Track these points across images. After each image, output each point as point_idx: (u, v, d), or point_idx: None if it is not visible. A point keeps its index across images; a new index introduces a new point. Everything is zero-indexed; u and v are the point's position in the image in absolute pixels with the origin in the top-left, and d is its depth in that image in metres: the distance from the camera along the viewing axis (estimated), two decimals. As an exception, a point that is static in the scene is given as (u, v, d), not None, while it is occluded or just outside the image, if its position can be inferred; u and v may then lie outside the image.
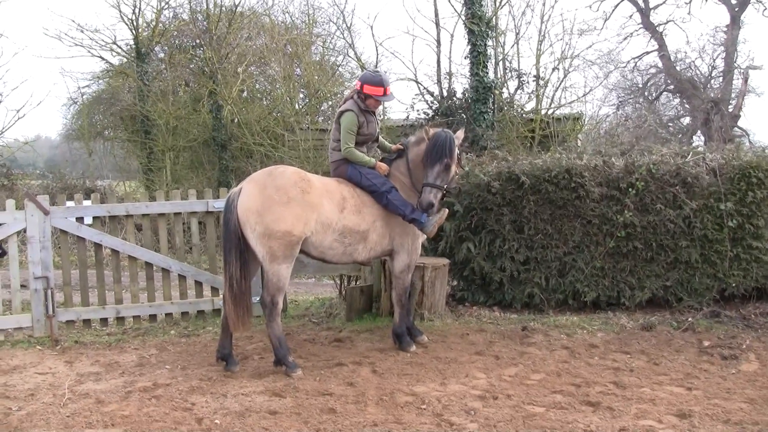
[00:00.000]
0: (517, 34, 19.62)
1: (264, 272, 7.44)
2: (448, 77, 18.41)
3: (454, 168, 8.10)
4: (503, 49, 18.92)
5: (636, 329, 8.95)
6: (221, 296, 8.47)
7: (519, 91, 18.16)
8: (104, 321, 9.75)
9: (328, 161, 8.50)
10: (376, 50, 21.41)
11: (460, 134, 8.35)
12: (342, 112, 8.10)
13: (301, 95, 22.71)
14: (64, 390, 6.95)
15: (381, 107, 9.57)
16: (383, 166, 8.20)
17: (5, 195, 18.82)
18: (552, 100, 18.95)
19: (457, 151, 8.09)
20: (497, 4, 18.44)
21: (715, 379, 7.02)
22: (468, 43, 15.98)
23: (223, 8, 23.12)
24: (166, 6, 25.78)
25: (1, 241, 9.27)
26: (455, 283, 10.54)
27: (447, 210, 8.26)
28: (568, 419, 5.91)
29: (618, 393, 6.59)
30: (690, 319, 9.06)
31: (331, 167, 8.31)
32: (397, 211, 7.90)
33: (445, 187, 8.01)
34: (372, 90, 8.08)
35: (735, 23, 27.93)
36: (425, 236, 8.37)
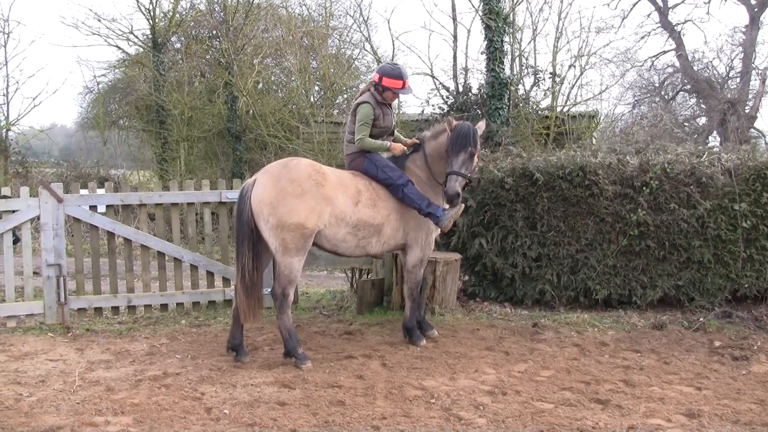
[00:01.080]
0: (534, 30, 19.51)
1: (276, 264, 7.43)
2: (464, 72, 18.33)
3: (476, 158, 8.12)
4: (520, 46, 18.80)
5: (647, 328, 8.93)
6: (233, 287, 8.44)
7: (535, 88, 18.04)
8: (115, 309, 9.78)
9: (343, 154, 8.50)
10: (393, 44, 21.53)
11: (482, 125, 8.30)
12: (359, 104, 8.09)
13: (317, 88, 22.67)
14: (74, 377, 6.98)
15: (396, 101, 9.56)
16: (398, 146, 8.21)
17: (20, 182, 18.98)
18: (568, 98, 18.84)
19: (480, 141, 8.14)
20: (515, 0, 18.39)
21: (725, 379, 7.00)
22: (485, 38, 15.90)
23: (240, 0, 23.12)
24: (184, -4, 25.82)
25: (15, 227, 9.32)
26: (467, 278, 10.54)
27: (463, 205, 8.17)
28: (576, 416, 5.90)
29: (627, 391, 6.58)
30: (701, 319, 9.03)
31: (347, 160, 8.29)
32: (413, 204, 7.88)
33: (469, 176, 7.97)
34: (391, 83, 8.08)
35: (754, 24, 27.76)
36: (439, 231, 8.36)
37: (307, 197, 7.20)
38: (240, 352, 7.58)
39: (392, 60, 19.79)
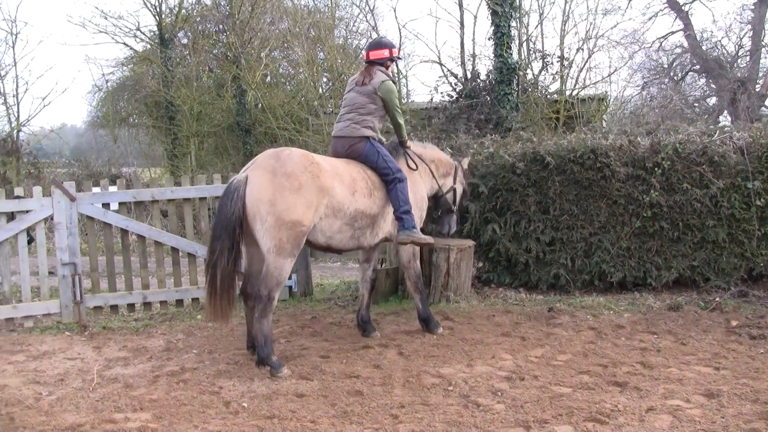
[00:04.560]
0: (541, 14, 19.50)
1: (266, 266, 6.94)
2: (471, 59, 18.35)
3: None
4: (527, 30, 18.80)
5: (663, 309, 8.91)
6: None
7: (543, 72, 18.01)
8: (131, 306, 9.82)
9: (339, 134, 8.00)
10: (400, 32, 21.49)
11: (465, 162, 9.06)
12: (383, 81, 7.86)
13: (325, 79, 22.66)
14: (92, 375, 7.00)
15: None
16: (411, 144, 8.35)
17: (32, 182, 19.02)
18: (576, 81, 18.82)
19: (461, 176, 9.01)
20: (521, -16, 18.34)
21: (743, 358, 6.97)
22: (491, 24, 15.87)
23: (246, -7, 23.13)
24: (190, -9, 25.84)
25: (29, 227, 9.36)
26: (481, 264, 10.53)
27: (432, 241, 8.06)
28: (595, 399, 5.89)
29: (645, 373, 6.56)
30: (717, 299, 9.01)
31: (346, 143, 7.88)
32: (397, 201, 7.68)
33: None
34: (395, 52, 8.23)
35: (763, 1, 27.55)
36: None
37: (304, 191, 6.85)
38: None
39: (400, 49, 19.83)
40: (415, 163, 8.32)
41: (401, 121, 8.06)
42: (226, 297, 6.89)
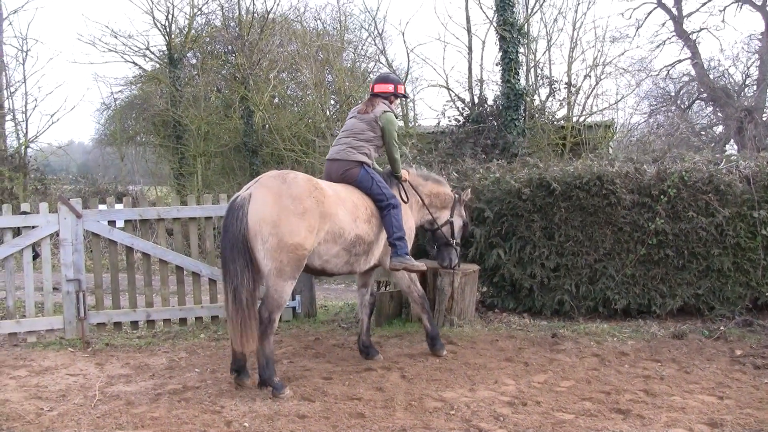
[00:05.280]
0: (549, 41, 19.59)
1: (266, 287, 6.88)
2: (479, 84, 18.40)
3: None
4: (535, 56, 18.89)
5: (667, 337, 8.90)
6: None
7: (550, 98, 18.09)
8: (135, 324, 9.80)
9: (335, 156, 7.97)
10: (408, 56, 21.50)
11: (466, 195, 9.07)
12: (385, 112, 7.94)
13: (332, 101, 22.73)
14: (94, 391, 6.99)
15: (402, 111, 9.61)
16: (407, 174, 8.33)
17: (39, 199, 19.06)
18: (583, 108, 18.88)
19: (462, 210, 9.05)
20: (529, 11, 18.42)
21: (747, 388, 6.94)
22: (499, 49, 15.94)
23: (256, 15, 23.26)
24: (199, 12, 26.08)
25: (35, 243, 9.38)
26: (485, 289, 10.52)
27: (425, 268, 8.11)
28: (597, 426, 5.87)
29: (648, 401, 6.54)
30: (722, 327, 8.99)
31: (341, 166, 7.86)
32: (391, 228, 7.67)
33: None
34: (401, 89, 8.32)
35: (771, 31, 27.68)
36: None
37: (308, 216, 6.82)
38: (243, 373, 7.20)
39: (407, 72, 19.94)
40: (407, 196, 8.33)
41: (397, 156, 8.07)
42: (254, 318, 6.71)
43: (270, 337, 6.90)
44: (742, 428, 5.86)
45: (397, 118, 8.29)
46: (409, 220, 8.29)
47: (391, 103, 8.18)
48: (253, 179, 7.15)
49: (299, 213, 6.76)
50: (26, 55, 24.34)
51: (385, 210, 7.70)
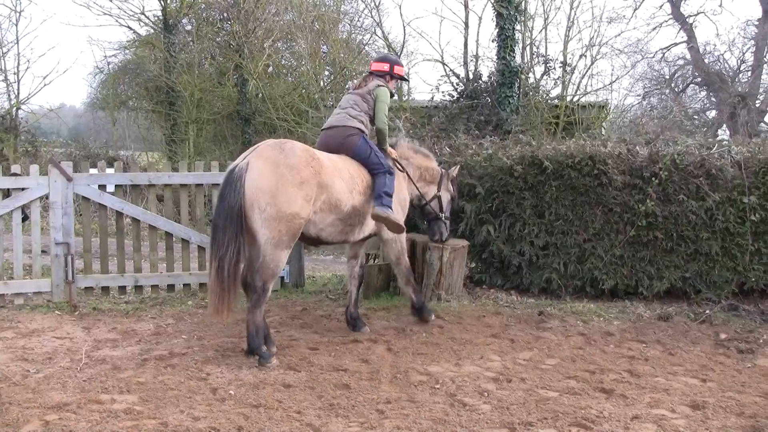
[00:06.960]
0: (546, 19, 19.46)
1: (262, 256, 6.88)
2: (474, 60, 18.30)
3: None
4: (531, 34, 18.76)
5: (653, 319, 8.93)
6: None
7: (545, 77, 18.00)
8: (123, 289, 9.82)
9: (334, 124, 8.05)
10: (404, 30, 21.28)
11: (454, 171, 9.19)
12: (379, 86, 8.07)
13: (327, 72, 22.62)
14: (81, 355, 7.01)
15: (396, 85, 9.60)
16: (394, 152, 8.33)
17: (29, 161, 18.96)
18: (578, 87, 18.81)
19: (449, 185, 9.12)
20: (527, -12, 18.32)
21: (730, 372, 6.99)
22: (496, 26, 15.84)
23: (252, -18, 23.09)
24: (196, -22, 25.80)
25: (24, 205, 9.35)
26: (473, 265, 10.52)
27: (403, 226, 8.11)
28: (581, 405, 5.90)
29: (632, 381, 6.58)
30: (708, 311, 9.03)
31: (340, 133, 7.90)
32: (382, 188, 7.69)
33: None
34: (400, 70, 8.39)
35: (767, 17, 27.59)
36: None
37: (305, 186, 6.86)
38: (267, 342, 7.17)
39: (403, 46, 19.87)
40: (401, 167, 8.40)
41: (384, 128, 8.08)
42: (234, 290, 6.78)
43: (262, 306, 6.96)
44: (723, 411, 5.90)
45: (392, 97, 8.31)
46: (403, 190, 8.33)
47: (387, 82, 8.26)
48: (245, 148, 7.16)
49: (297, 183, 6.80)
50: (19, 15, 24.10)
51: (381, 176, 7.77)
